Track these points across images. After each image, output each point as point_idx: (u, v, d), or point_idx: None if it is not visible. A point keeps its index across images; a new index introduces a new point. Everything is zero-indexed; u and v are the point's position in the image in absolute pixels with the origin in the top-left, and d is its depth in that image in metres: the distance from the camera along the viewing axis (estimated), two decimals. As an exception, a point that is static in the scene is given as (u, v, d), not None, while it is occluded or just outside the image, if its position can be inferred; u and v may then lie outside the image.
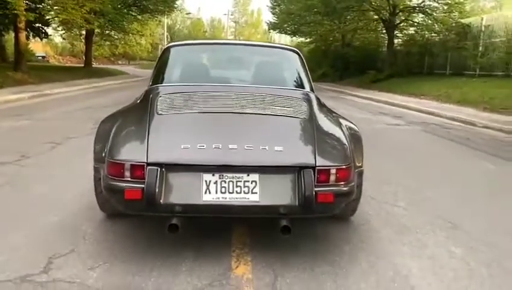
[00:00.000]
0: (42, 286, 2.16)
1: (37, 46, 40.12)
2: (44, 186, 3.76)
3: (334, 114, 3.19)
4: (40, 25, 24.17)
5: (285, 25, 29.81)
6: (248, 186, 2.29)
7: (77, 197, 3.47)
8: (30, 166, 4.46)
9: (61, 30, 23.95)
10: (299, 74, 3.54)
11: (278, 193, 2.31)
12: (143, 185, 2.21)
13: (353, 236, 2.93)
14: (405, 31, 23.11)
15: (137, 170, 2.25)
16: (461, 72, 16.97)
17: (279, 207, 2.31)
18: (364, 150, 2.86)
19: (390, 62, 21.36)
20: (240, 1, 71.70)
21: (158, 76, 3.40)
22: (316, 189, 2.26)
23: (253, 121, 2.66)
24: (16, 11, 14.63)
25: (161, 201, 2.23)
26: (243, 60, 3.89)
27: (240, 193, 2.28)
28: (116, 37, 30.42)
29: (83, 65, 27.73)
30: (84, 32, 25.64)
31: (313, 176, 2.27)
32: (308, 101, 3.01)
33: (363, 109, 11.87)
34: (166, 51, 3.67)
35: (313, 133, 2.54)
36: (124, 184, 2.26)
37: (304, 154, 2.39)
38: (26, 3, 16.49)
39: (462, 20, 18.26)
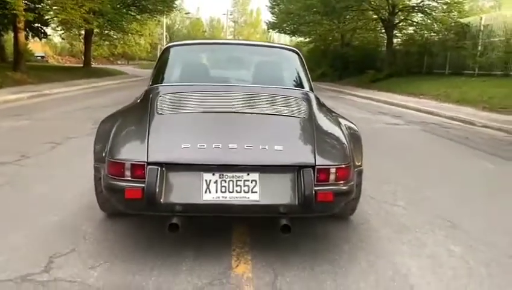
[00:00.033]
0: (43, 285, 2.17)
1: (36, 46, 40.09)
2: (45, 186, 3.77)
3: (333, 113, 3.20)
4: (39, 25, 24.17)
5: (285, 25, 29.83)
6: (248, 186, 2.29)
7: (77, 197, 3.47)
8: (30, 166, 4.47)
9: (60, 30, 23.93)
10: (298, 73, 3.55)
11: (278, 192, 2.32)
12: (143, 185, 2.22)
13: (352, 235, 2.94)
14: (404, 31, 23.14)
15: (138, 169, 2.26)
16: (460, 71, 17.01)
17: (279, 206, 2.32)
18: (364, 149, 2.87)
19: (389, 62, 21.38)
20: (239, 1, 71.68)
21: (158, 76, 3.41)
22: (316, 188, 2.27)
23: (253, 120, 2.67)
24: (15, 11, 14.62)
25: (161, 200, 2.24)
26: (243, 59, 3.90)
27: (240, 192, 2.29)
28: (115, 37, 30.40)
29: (82, 65, 27.74)
30: (83, 32, 25.65)
31: (312, 175, 2.28)
32: (308, 100, 3.02)
33: (362, 109, 11.88)
34: (166, 51, 3.68)
35: (312, 132, 2.55)
36: (125, 183, 2.27)
37: (303, 154, 2.40)
38: (25, 3, 16.48)
39: (461, 20, 18.29)
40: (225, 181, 2.30)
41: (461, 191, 4.13)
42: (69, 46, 50.95)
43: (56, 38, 37.89)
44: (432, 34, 20.16)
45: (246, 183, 2.30)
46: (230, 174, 2.30)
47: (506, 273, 2.48)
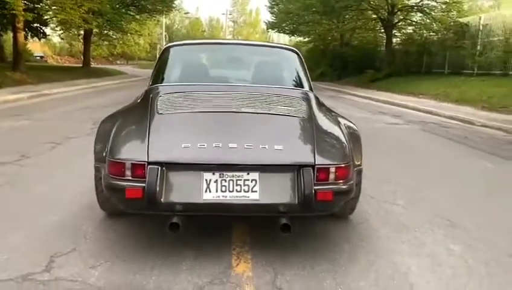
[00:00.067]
0: (44, 284, 2.18)
1: (35, 46, 40.07)
2: (45, 186, 3.77)
3: (333, 113, 3.21)
4: (38, 25, 24.16)
5: (284, 25, 29.83)
6: (248, 185, 2.30)
7: (77, 197, 3.48)
8: (30, 166, 4.47)
9: (60, 30, 23.91)
10: (298, 73, 3.56)
11: (278, 192, 2.33)
12: (144, 184, 2.23)
13: (352, 234, 2.95)
14: (403, 30, 23.18)
15: (138, 169, 2.27)
16: (459, 71, 17.02)
17: (279, 205, 2.33)
18: (364, 149, 2.88)
19: (388, 61, 21.39)
20: (238, 1, 71.70)
21: (158, 76, 3.42)
22: (316, 187, 2.28)
23: (253, 120, 2.67)
24: (14, 11, 14.61)
25: (162, 200, 2.25)
26: (243, 59, 3.91)
27: (240, 191, 2.30)
28: (114, 37, 30.40)
29: (81, 65, 27.73)
30: (82, 32, 25.62)
31: (312, 174, 2.29)
32: (307, 100, 3.03)
33: (362, 108, 11.90)
34: (166, 51, 3.69)
35: (312, 132, 2.56)
36: (125, 183, 2.28)
37: (303, 153, 2.41)
38: (25, 3, 16.46)
39: (460, 19, 18.31)
40: (225, 180, 2.31)
41: (460, 190, 4.15)
42: (68, 46, 50.94)
43: (55, 38, 37.88)
44: (431, 33, 20.18)
45: (246, 182, 2.31)
46: (230, 174, 2.31)
47: (506, 272, 2.49)
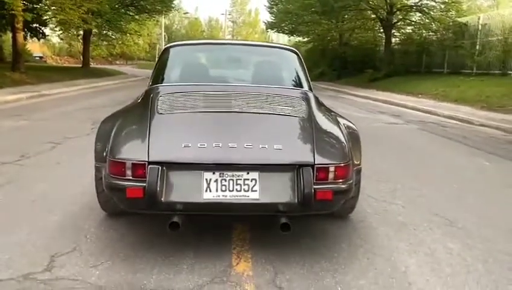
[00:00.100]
0: (45, 283, 2.19)
1: (34, 47, 40.07)
2: (45, 186, 3.78)
3: (332, 113, 3.23)
4: (37, 25, 24.17)
5: (283, 25, 29.84)
6: (248, 185, 2.32)
7: (78, 197, 3.49)
8: (30, 166, 4.48)
9: (59, 30, 23.88)
10: (297, 73, 3.57)
11: (278, 191, 2.34)
12: (144, 184, 2.24)
13: (352, 233, 2.96)
14: (402, 30, 23.19)
15: (139, 168, 2.28)
16: (458, 70, 17.05)
17: (278, 205, 2.34)
18: (363, 148, 2.89)
19: (388, 61, 21.41)
20: (237, 1, 71.68)
21: (158, 76, 3.43)
22: (315, 187, 2.29)
23: (253, 120, 2.69)
24: (13, 11, 14.61)
25: (162, 199, 2.26)
26: (242, 59, 3.93)
27: (240, 191, 2.32)
28: (113, 37, 30.45)
29: (80, 65, 27.72)
30: (81, 32, 25.62)
31: (311, 173, 2.30)
32: (307, 100, 3.04)
33: (361, 108, 11.91)
34: (166, 51, 3.70)
35: (311, 131, 2.57)
36: (126, 183, 2.29)
37: (302, 153, 2.43)
38: (24, 4, 16.47)
39: (459, 19, 18.34)
40: (225, 180, 2.32)
41: (459, 189, 4.16)
42: (67, 47, 50.90)
43: (54, 38, 37.87)
44: (430, 33, 20.20)
45: (246, 182, 2.33)
46: (230, 173, 2.32)
47: (504, 269, 2.51)
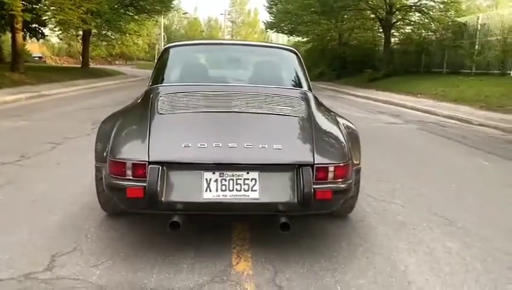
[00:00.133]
0: (46, 283, 2.20)
1: (33, 47, 40.05)
2: (45, 186, 3.79)
3: (331, 113, 3.24)
4: (36, 25, 24.17)
5: (282, 25, 29.84)
6: (248, 184, 2.33)
7: (78, 197, 3.50)
8: (30, 166, 4.49)
9: (58, 30, 23.88)
10: (296, 73, 3.59)
11: (277, 191, 2.35)
12: (145, 184, 2.25)
13: (351, 233, 2.97)
14: (402, 30, 23.21)
15: (139, 168, 2.29)
16: (458, 70, 17.07)
17: (278, 204, 2.35)
18: (362, 148, 2.91)
19: (387, 61, 21.42)
20: (236, 1, 71.68)
21: (158, 76, 3.44)
22: (315, 186, 2.30)
23: (253, 120, 2.70)
24: (12, 12, 14.61)
25: (162, 199, 2.27)
26: (242, 60, 3.94)
27: (240, 190, 2.33)
28: (113, 37, 30.44)
29: (80, 65, 27.70)
30: (81, 32, 25.61)
31: (311, 173, 2.31)
32: (306, 100, 3.05)
33: (360, 108, 11.93)
34: (166, 51, 3.71)
35: (311, 131, 2.58)
36: (126, 183, 2.30)
37: (302, 152, 2.44)
38: (23, 4, 16.46)
39: (458, 19, 18.36)
40: (225, 180, 2.33)
41: (458, 188, 4.18)
42: (66, 47, 50.89)
43: (54, 38, 37.92)
44: (429, 33, 20.22)
45: (246, 181, 2.34)
46: (230, 173, 2.33)
47: (503, 269, 2.52)
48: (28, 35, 24.61)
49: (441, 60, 19.02)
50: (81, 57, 29.72)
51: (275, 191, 2.35)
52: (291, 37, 34.16)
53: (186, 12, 57.80)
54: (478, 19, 17.10)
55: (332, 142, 2.59)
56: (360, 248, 2.73)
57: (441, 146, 6.64)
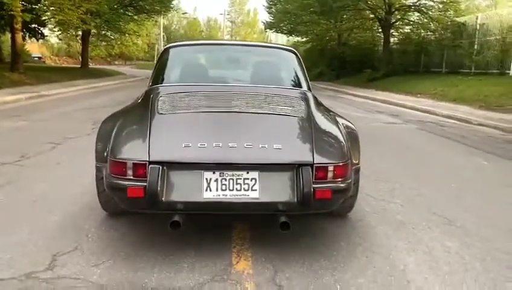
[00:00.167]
0: (47, 282, 2.21)
1: (33, 47, 40.00)
2: (46, 186, 3.80)
3: (331, 113, 3.25)
4: (36, 25, 24.15)
5: (282, 25, 29.85)
6: (248, 184, 2.34)
7: (78, 197, 3.51)
8: (30, 166, 4.50)
9: (58, 31, 23.86)
10: (296, 73, 3.60)
11: (277, 190, 2.36)
12: (145, 183, 2.26)
13: (351, 232, 2.99)
14: (401, 30, 23.25)
15: (140, 168, 2.30)
16: (457, 70, 17.10)
17: (278, 204, 2.36)
18: (362, 148, 2.92)
19: (386, 61, 21.45)
20: (236, 1, 71.69)
21: (158, 76, 3.45)
22: (314, 186, 2.31)
23: (252, 119, 2.71)
24: (12, 12, 14.60)
25: (163, 199, 2.28)
26: (242, 60, 3.95)
27: (240, 190, 2.34)
28: (112, 37, 30.42)
29: (79, 66, 27.68)
30: (80, 32, 25.59)
31: (311, 173, 2.33)
32: (306, 100, 3.07)
33: (360, 108, 11.94)
34: (166, 51, 3.72)
35: (310, 131, 2.59)
36: (127, 182, 2.31)
37: (302, 152, 2.45)
38: (23, 4, 16.45)
39: (458, 19, 18.39)
40: (225, 179, 2.34)
41: (457, 188, 4.19)
42: (66, 47, 50.78)
43: (53, 39, 37.90)
44: (428, 33, 20.25)
45: (246, 181, 2.35)
46: (230, 173, 2.34)
47: (502, 268, 2.53)
48: (27, 35, 24.61)
49: (440, 59, 19.05)
50: (80, 57, 29.69)
51: (274, 190, 2.36)
52: (290, 37, 34.19)
53: (186, 13, 57.83)
54: (477, 18, 17.14)
55: (331, 141, 2.60)
56: (359, 247, 2.74)
57: (440, 146, 6.66)
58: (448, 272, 2.46)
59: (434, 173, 4.77)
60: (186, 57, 3.83)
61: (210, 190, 2.32)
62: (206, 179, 2.33)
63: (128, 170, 2.31)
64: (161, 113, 2.70)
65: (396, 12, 21.23)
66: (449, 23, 18.45)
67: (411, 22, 21.66)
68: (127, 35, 30.92)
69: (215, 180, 2.34)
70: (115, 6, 23.74)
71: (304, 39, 31.76)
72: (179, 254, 2.54)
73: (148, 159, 2.31)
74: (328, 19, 25.35)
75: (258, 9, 71.00)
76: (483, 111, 10.46)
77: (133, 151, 2.40)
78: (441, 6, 19.33)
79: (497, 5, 26.34)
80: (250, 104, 2.85)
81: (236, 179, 2.34)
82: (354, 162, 2.72)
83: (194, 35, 63.42)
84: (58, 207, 3.27)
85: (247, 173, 2.35)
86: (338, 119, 3.03)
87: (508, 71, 14.59)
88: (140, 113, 2.80)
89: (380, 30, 23.69)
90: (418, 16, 21.13)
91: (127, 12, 27.53)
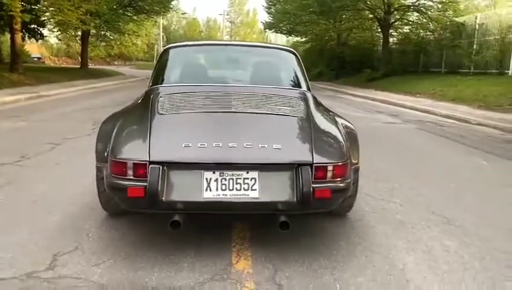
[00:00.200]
0: (48, 282, 2.22)
1: (32, 48, 40.01)
2: (46, 186, 3.81)
3: (330, 113, 3.26)
4: (35, 26, 24.15)
5: (281, 25, 29.85)
6: (248, 184, 2.35)
7: (78, 197, 3.51)
8: (30, 166, 4.50)
9: (57, 31, 23.86)
10: (295, 73, 3.61)
11: (277, 190, 2.37)
12: (145, 183, 2.27)
13: (350, 232, 3.00)
14: (400, 30, 23.26)
15: (140, 168, 2.31)
16: (456, 70, 17.11)
17: (278, 203, 2.37)
18: (361, 148, 2.93)
19: (385, 61, 21.47)
20: (235, 1, 71.71)
21: (158, 77, 3.46)
22: (314, 185, 2.33)
23: (252, 119, 2.72)
24: (11, 13, 14.60)
25: (163, 199, 2.29)
26: (241, 60, 3.96)
27: (240, 190, 2.35)
28: (111, 37, 30.42)
29: (78, 66, 27.67)
30: (79, 33, 25.58)
31: (310, 172, 2.34)
32: (305, 100, 3.08)
33: (359, 108, 11.96)
34: (166, 52, 3.73)
35: (310, 131, 2.61)
36: (127, 182, 2.32)
37: (301, 152, 2.46)
38: (22, 5, 16.45)
39: (457, 19, 18.41)
40: (225, 179, 2.35)
41: (456, 188, 4.20)
42: (65, 47, 50.75)
43: (52, 39, 37.90)
44: (427, 33, 20.28)
45: (246, 181, 2.36)
46: (230, 173, 2.35)
47: (501, 267, 2.54)
48: (26, 35, 24.61)
49: (439, 59, 19.07)
50: (79, 58, 29.69)
51: (274, 190, 2.37)
52: (290, 37, 34.20)
53: (185, 13, 57.79)
54: (476, 18, 17.17)
55: (331, 141, 2.62)
56: (358, 247, 2.75)
57: (439, 146, 6.67)
58: (447, 271, 2.47)
59: (433, 173, 4.78)
60: (186, 58, 3.84)
61: (210, 190, 2.33)
62: (206, 178, 2.34)
63: (128, 170, 2.33)
64: (161, 114, 2.71)
65: (395, 12, 21.25)
66: (448, 23, 18.47)
67: (410, 22, 21.68)
68: (126, 35, 30.96)
69: (215, 180, 2.35)
70: (114, 6, 23.75)
71: (303, 39, 31.77)
72: (179, 253, 2.55)
73: (148, 159, 2.32)
74: (327, 19, 25.36)
75: (258, 9, 71.26)
76: (482, 111, 10.48)
77: (133, 151, 2.42)
78: (440, 6, 19.35)
79: (496, 5, 26.39)
80: (249, 104, 2.86)
81: (236, 178, 2.35)
82: (353, 161, 2.73)
83: (193, 35, 63.41)
84: (58, 207, 3.28)
85: (247, 172, 2.36)
86: (337, 119, 3.04)
87: (507, 71, 14.61)
88: (141, 113, 2.81)
89: (379, 30, 23.70)
90: (417, 16, 21.15)
91: (126, 12, 27.54)
